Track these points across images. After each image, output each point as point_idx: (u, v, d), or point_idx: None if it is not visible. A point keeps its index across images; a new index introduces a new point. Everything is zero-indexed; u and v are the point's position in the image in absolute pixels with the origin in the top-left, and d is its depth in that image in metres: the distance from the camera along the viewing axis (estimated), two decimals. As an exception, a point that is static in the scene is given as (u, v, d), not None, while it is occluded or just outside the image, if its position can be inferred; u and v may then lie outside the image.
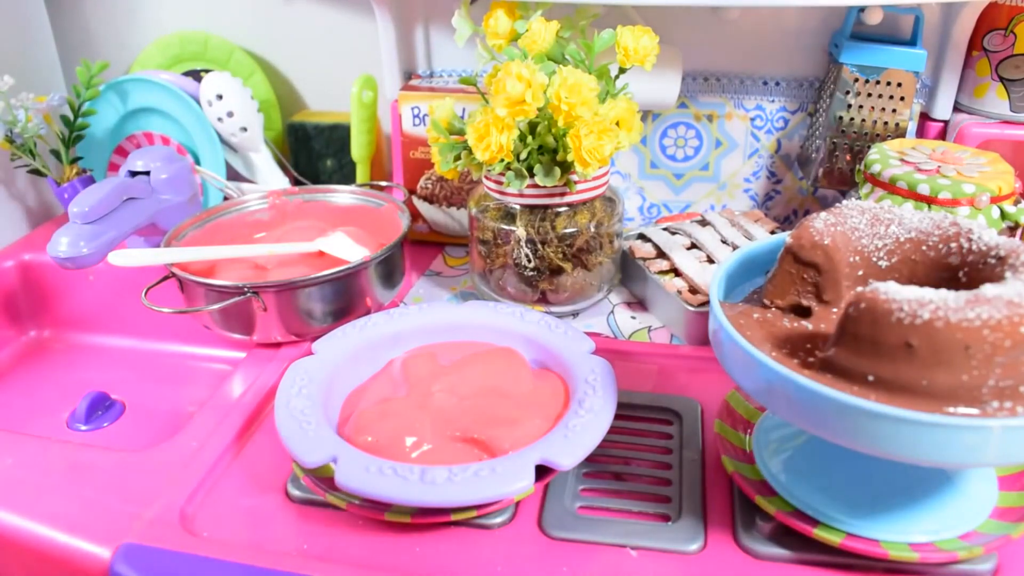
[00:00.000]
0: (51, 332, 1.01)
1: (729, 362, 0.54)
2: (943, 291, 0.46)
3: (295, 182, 1.10)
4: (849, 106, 0.88)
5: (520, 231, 0.80)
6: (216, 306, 0.76)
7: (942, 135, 0.92)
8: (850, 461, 0.56)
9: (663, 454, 0.65)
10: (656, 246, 0.87)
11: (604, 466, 0.64)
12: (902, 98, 0.87)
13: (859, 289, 0.48)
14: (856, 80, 0.87)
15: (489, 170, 0.77)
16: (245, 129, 1.00)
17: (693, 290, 0.81)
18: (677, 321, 0.80)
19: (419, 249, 1.02)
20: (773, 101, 0.96)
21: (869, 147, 0.87)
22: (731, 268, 0.61)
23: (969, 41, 0.87)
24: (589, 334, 0.74)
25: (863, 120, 0.88)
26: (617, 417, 0.65)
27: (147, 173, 0.90)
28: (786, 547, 0.54)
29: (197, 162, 1.01)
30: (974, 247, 0.53)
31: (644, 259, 0.86)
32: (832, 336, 0.49)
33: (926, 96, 0.93)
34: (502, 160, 0.74)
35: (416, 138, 0.97)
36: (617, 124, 0.76)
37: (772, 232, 0.89)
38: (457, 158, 0.79)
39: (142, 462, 0.64)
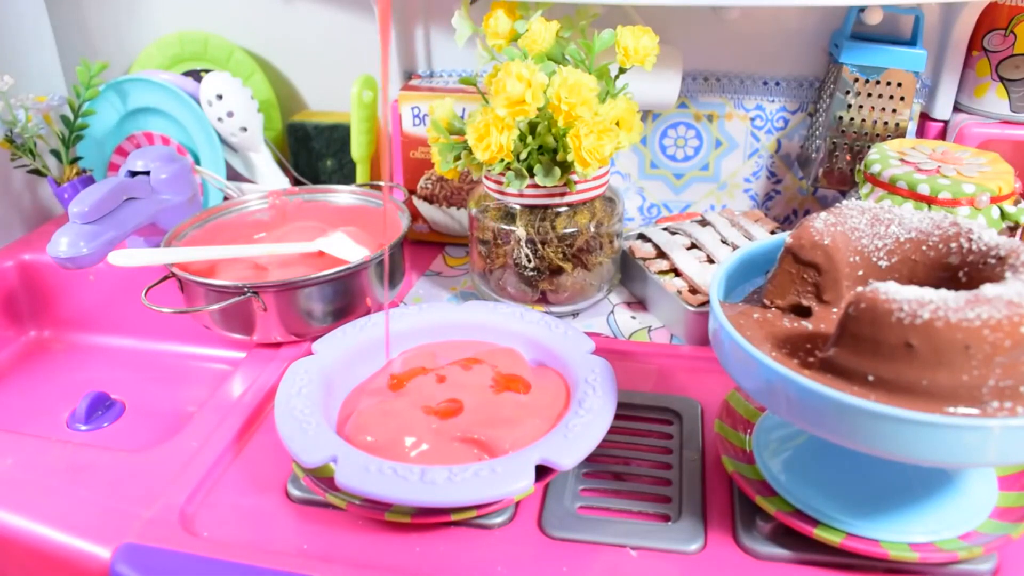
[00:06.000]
0: (51, 332, 1.02)
1: (729, 362, 0.54)
2: (943, 291, 0.46)
3: (295, 182, 1.10)
4: (849, 106, 0.88)
5: (520, 231, 0.80)
6: (216, 306, 0.76)
7: (942, 135, 0.92)
8: (850, 461, 0.56)
9: (663, 454, 0.65)
10: (656, 246, 0.87)
11: (604, 466, 0.64)
12: (902, 98, 0.87)
13: (859, 289, 0.48)
14: (856, 80, 0.87)
15: (489, 170, 0.77)
16: (245, 129, 1.00)
17: (693, 290, 0.81)
18: (677, 321, 0.80)
19: (419, 249, 1.02)
20: (773, 101, 0.96)
21: (869, 147, 0.87)
22: (731, 268, 0.61)
23: (969, 41, 0.87)
24: (589, 334, 0.74)
25: (863, 120, 0.88)
26: (617, 417, 0.65)
27: (147, 173, 0.90)
28: (786, 547, 0.54)
29: (197, 162, 1.01)
30: (974, 247, 0.53)
31: (644, 259, 0.86)
32: (832, 336, 0.49)
33: (926, 96, 0.93)
34: (502, 160, 0.74)
35: (416, 138, 0.97)
36: (617, 124, 0.76)
37: (772, 232, 0.89)
38: (457, 158, 0.79)
39: (142, 462, 0.64)
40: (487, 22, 0.79)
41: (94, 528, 0.58)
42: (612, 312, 0.86)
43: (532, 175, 0.76)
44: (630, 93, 0.80)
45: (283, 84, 1.12)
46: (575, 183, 0.77)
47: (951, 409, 0.45)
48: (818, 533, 0.53)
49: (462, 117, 0.89)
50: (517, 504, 0.60)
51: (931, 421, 0.44)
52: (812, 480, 0.57)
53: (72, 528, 0.58)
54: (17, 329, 1.01)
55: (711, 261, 0.84)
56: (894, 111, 0.88)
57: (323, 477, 0.59)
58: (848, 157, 0.90)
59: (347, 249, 0.84)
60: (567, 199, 0.79)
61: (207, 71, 1.05)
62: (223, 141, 1.01)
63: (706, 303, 0.78)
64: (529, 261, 0.81)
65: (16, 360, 0.98)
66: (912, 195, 0.73)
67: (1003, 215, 0.72)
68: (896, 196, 0.74)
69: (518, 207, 0.80)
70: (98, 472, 0.64)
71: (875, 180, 0.76)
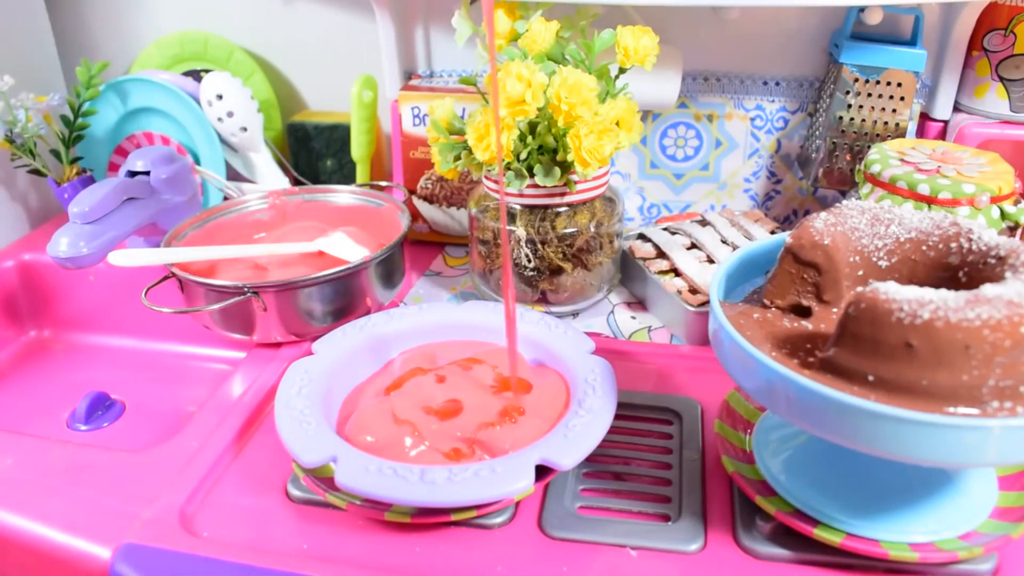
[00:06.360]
0: (51, 332, 1.01)
1: (729, 362, 0.54)
2: (943, 291, 0.46)
3: (295, 182, 1.10)
4: (849, 106, 0.88)
5: (520, 231, 0.80)
6: (216, 306, 0.76)
7: (942, 135, 0.92)
8: (850, 461, 0.56)
9: (663, 454, 0.65)
10: (656, 246, 0.87)
11: (604, 466, 0.64)
12: (902, 98, 0.87)
13: (859, 289, 0.48)
14: (856, 80, 0.87)
15: (489, 170, 0.77)
16: (245, 129, 1.00)
17: (693, 290, 0.81)
18: (677, 321, 0.80)
19: (419, 249, 1.02)
20: (773, 101, 0.96)
21: (869, 147, 0.87)
22: (731, 268, 0.61)
23: (969, 41, 0.87)
24: (589, 334, 0.74)
25: (863, 120, 0.88)
26: (617, 417, 0.65)
27: (147, 173, 0.90)
28: (786, 547, 0.54)
29: (197, 162, 1.01)
30: (974, 247, 0.53)
31: (644, 259, 0.86)
32: (832, 336, 0.49)
33: (926, 96, 0.93)
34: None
35: (416, 138, 0.97)
36: (617, 124, 0.76)
37: (772, 232, 0.89)
38: (457, 158, 0.79)
39: (142, 462, 0.64)
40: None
41: (94, 528, 0.58)
42: (612, 312, 0.86)
43: (532, 175, 0.76)
44: (630, 93, 0.80)
45: (283, 84, 1.12)
46: (575, 183, 0.77)
47: (951, 409, 0.45)
48: (818, 533, 0.53)
49: (462, 117, 0.89)
50: (517, 504, 0.59)
51: (931, 421, 0.44)
52: (812, 480, 0.57)
53: (72, 528, 0.58)
54: (17, 329, 1.01)
55: (711, 261, 0.84)
56: (894, 111, 0.88)
57: (323, 477, 0.59)
58: (848, 157, 0.90)
59: (347, 249, 0.84)
60: (567, 199, 0.79)
61: (207, 71, 1.05)
62: (223, 141, 1.01)
63: (706, 303, 0.78)
64: (529, 261, 0.81)
65: (16, 360, 0.98)
66: (912, 195, 0.73)
67: (1003, 215, 0.72)
68: (896, 196, 0.74)
69: (518, 207, 0.80)
70: (98, 472, 0.64)
71: (875, 180, 0.76)
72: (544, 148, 0.76)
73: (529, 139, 0.75)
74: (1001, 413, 0.44)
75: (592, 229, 0.81)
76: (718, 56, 0.96)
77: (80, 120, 0.99)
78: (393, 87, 1.00)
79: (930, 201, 0.72)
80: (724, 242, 0.86)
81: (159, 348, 0.98)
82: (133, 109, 1.02)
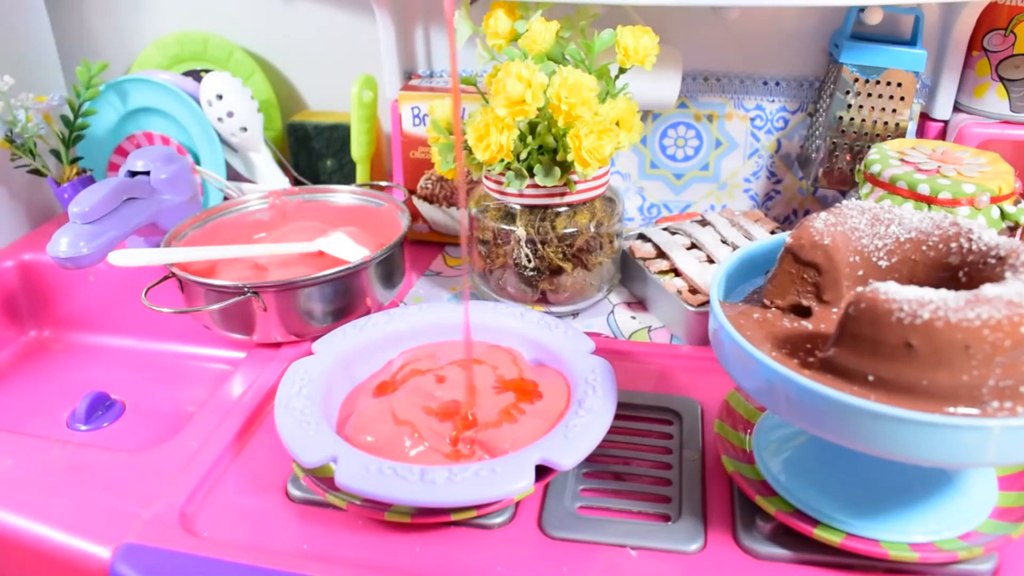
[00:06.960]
0: (51, 332, 1.02)
1: (729, 362, 0.54)
2: (943, 291, 0.46)
3: (295, 182, 1.10)
4: (849, 106, 0.88)
5: (520, 231, 0.80)
6: (216, 306, 0.76)
7: (942, 135, 0.92)
8: (850, 461, 0.56)
9: (663, 454, 0.65)
10: (656, 246, 0.87)
11: (604, 466, 0.64)
12: (902, 98, 0.87)
13: (859, 289, 0.48)
14: (856, 80, 0.87)
15: (489, 170, 0.77)
16: (245, 129, 1.00)
17: (693, 290, 0.81)
18: (677, 321, 0.80)
19: (419, 249, 1.02)
20: (773, 101, 0.96)
21: (869, 147, 0.87)
22: (731, 268, 0.61)
23: (969, 41, 0.87)
24: (589, 334, 0.74)
25: (863, 120, 0.88)
26: (617, 417, 0.65)
27: (147, 173, 0.90)
28: (786, 547, 0.54)
29: (197, 162, 1.01)
30: (974, 247, 0.53)
31: (644, 259, 0.86)
32: (832, 336, 0.49)
33: (926, 96, 0.93)
34: (502, 160, 0.74)
35: (416, 138, 0.97)
36: (617, 124, 0.76)
37: (772, 232, 0.89)
38: (457, 158, 0.79)
39: (142, 462, 0.64)
40: (487, 22, 0.79)
41: (94, 528, 0.58)
42: (612, 312, 0.86)
43: (532, 175, 0.76)
44: (630, 93, 0.80)
45: (283, 84, 1.12)
46: (575, 183, 0.77)
47: (951, 409, 0.45)
48: (818, 533, 0.53)
49: (462, 117, 0.89)
50: (517, 504, 0.60)
51: (931, 421, 0.44)
52: (812, 480, 0.57)
53: (72, 528, 0.58)
54: (17, 329, 1.01)
55: (711, 261, 0.84)
56: (894, 111, 0.88)
57: (323, 477, 0.59)
58: (848, 157, 0.90)
59: (347, 249, 0.84)
60: (567, 199, 0.79)
61: (207, 71, 1.05)
62: (223, 141, 1.01)
63: (706, 303, 0.78)
64: (529, 261, 0.81)
65: (16, 360, 0.98)
66: (912, 195, 0.73)
67: (1003, 215, 0.72)
68: (896, 196, 0.74)
69: (518, 207, 0.80)
70: (98, 472, 0.64)
71: (875, 180, 0.76)
72: (544, 148, 0.76)
73: (529, 139, 0.75)
74: (1001, 413, 0.44)
75: (592, 229, 0.81)
76: (718, 56, 0.96)
77: (80, 120, 0.99)
78: (393, 87, 1.00)
79: (930, 201, 0.72)
80: (724, 242, 0.86)
81: (159, 348, 0.98)
82: (133, 109, 1.02)
